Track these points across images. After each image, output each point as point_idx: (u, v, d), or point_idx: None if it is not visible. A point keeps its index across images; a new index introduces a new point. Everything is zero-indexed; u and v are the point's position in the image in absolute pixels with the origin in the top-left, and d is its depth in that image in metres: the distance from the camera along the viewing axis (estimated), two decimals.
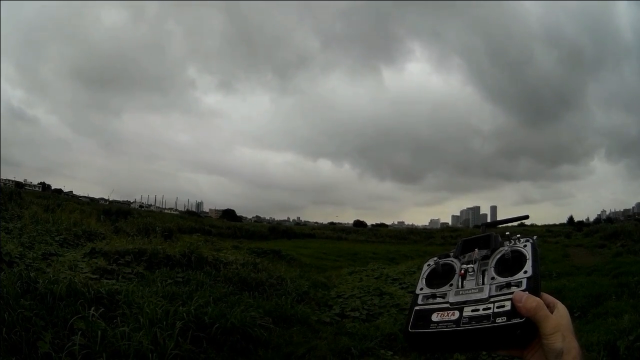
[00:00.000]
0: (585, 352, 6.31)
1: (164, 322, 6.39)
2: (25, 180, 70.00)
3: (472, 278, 1.00)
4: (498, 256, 1.01)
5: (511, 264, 0.98)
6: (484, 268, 1.01)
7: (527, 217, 1.38)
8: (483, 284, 0.98)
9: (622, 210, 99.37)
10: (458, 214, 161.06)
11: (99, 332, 5.48)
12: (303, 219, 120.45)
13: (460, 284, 1.01)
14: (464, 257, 1.06)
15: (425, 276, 1.08)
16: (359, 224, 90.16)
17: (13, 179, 64.37)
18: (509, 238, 1.06)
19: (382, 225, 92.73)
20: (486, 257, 1.03)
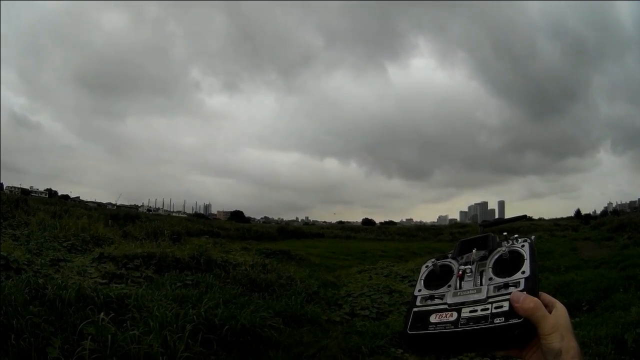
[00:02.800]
0: (589, 348, 6.29)
1: (174, 325, 6.40)
2: (31, 187, 70.76)
3: (470, 279, 1.00)
4: (496, 257, 1.02)
5: (509, 264, 0.99)
6: (482, 269, 1.01)
7: (524, 217, 1.44)
8: (481, 284, 0.98)
9: (628, 202, 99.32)
10: (466, 209, 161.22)
11: (109, 337, 5.48)
12: (311, 218, 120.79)
13: (458, 285, 1.01)
14: (462, 258, 1.07)
15: (423, 277, 1.09)
16: (367, 222, 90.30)
17: (19, 186, 64.96)
18: (506, 238, 1.05)
19: (391, 222, 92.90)
20: (484, 258, 1.03)
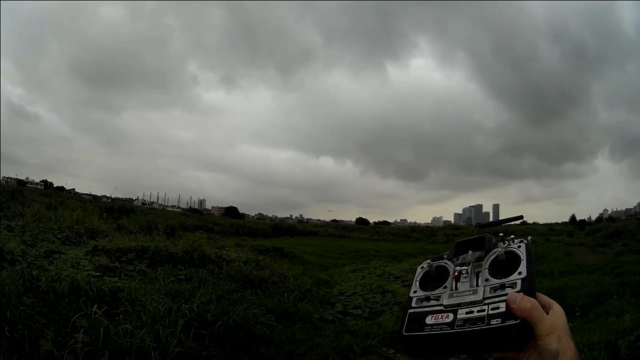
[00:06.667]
0: (582, 353, 6.30)
1: (167, 320, 6.41)
2: (27, 178, 70.22)
3: (466, 280, 0.99)
4: (492, 257, 1.00)
5: (505, 265, 0.97)
6: (478, 270, 1.00)
7: (521, 217, 1.38)
8: (477, 285, 0.97)
9: (623, 209, 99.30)
10: (460, 212, 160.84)
11: (102, 330, 5.49)
12: (305, 216, 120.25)
13: (454, 286, 1.00)
14: (458, 259, 1.05)
15: (419, 279, 1.07)
16: (361, 221, 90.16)
17: (15, 177, 64.68)
18: (503, 239, 1.05)
19: (385, 223, 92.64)
20: (480, 259, 1.02)
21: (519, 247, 0.99)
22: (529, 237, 1.03)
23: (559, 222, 75.99)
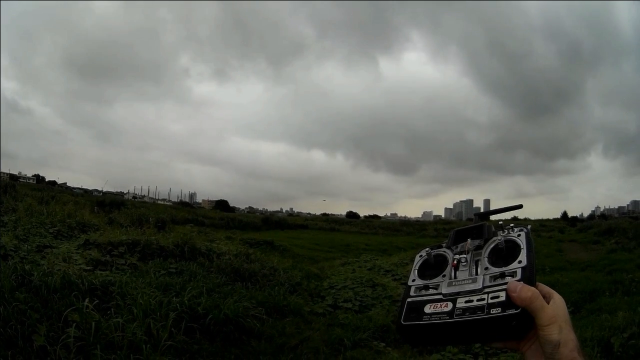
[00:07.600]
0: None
1: (158, 313, 6.46)
2: (19, 173, 70.23)
3: (465, 269, 0.98)
4: (491, 246, 0.99)
5: (505, 253, 0.96)
6: (477, 258, 0.99)
7: (520, 206, 1.35)
8: (476, 274, 0.96)
9: (616, 207, 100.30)
10: (451, 206, 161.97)
11: (93, 324, 5.52)
12: (296, 209, 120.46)
13: (453, 274, 0.98)
14: (457, 247, 1.04)
15: (417, 267, 1.06)
16: (351, 215, 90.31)
17: (8, 171, 64.44)
18: (502, 227, 1.03)
19: (375, 216, 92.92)
20: (479, 247, 1.01)
21: (519, 235, 0.99)
22: (529, 226, 1.02)
23: (551, 218, 76.42)
